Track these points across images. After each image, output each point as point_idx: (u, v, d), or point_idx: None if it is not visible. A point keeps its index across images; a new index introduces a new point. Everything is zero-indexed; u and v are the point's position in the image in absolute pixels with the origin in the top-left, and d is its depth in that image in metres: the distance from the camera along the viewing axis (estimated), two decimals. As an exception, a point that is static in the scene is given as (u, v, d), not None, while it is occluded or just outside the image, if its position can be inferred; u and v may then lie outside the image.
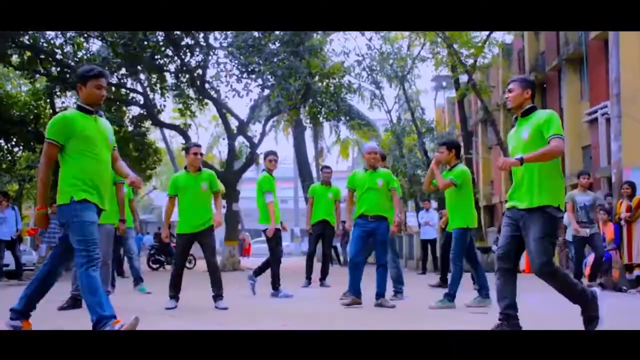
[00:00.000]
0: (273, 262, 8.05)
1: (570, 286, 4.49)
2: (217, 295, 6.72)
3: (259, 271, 8.35)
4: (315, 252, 10.12)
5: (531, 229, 4.39)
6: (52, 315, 6.12)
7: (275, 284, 8.12)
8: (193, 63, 17.81)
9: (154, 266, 18.10)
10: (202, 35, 17.21)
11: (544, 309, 6.70)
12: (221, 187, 7.20)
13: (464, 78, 21.31)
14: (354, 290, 6.75)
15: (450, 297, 6.77)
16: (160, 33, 16.88)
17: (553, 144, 4.31)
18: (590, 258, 10.14)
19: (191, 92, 19.50)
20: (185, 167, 6.91)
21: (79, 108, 4.46)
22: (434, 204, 18.98)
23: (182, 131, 20.12)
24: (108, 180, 4.55)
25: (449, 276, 7.13)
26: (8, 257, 12.87)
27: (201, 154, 6.91)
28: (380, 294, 6.77)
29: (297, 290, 9.39)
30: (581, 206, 9.28)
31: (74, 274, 6.53)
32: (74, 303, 6.48)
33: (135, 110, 20.31)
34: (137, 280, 9.31)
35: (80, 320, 5.58)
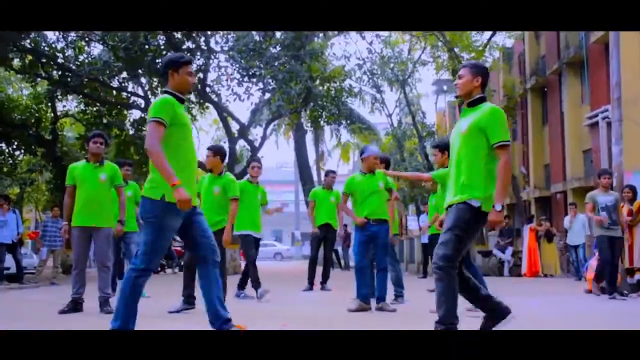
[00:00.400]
0: (247, 264, 8.16)
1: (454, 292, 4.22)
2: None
3: (241, 283, 8.47)
4: (318, 257, 10.09)
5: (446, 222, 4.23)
6: (52, 318, 6.12)
7: (243, 284, 8.36)
8: (194, 67, 17.84)
9: (158, 269, 18.14)
10: (203, 39, 17.25)
11: (545, 312, 6.68)
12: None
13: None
14: (362, 296, 6.72)
15: None
16: (162, 37, 16.91)
17: (502, 160, 4.07)
18: (591, 262, 10.13)
19: (192, 96, 19.52)
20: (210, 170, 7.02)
21: (172, 95, 4.15)
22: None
23: (183, 135, 20.10)
24: (194, 176, 4.27)
25: None
26: (9, 261, 12.89)
27: (207, 156, 7.00)
28: (381, 297, 6.75)
29: (299, 293, 9.39)
30: (603, 207, 8.83)
31: (74, 277, 6.52)
32: (74, 306, 6.48)
33: (136, 114, 20.35)
34: None
35: (81, 322, 5.58)
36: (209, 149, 7.09)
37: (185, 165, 4.09)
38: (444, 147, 6.73)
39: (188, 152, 4.14)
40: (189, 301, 6.61)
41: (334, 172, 10.29)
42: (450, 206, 4.25)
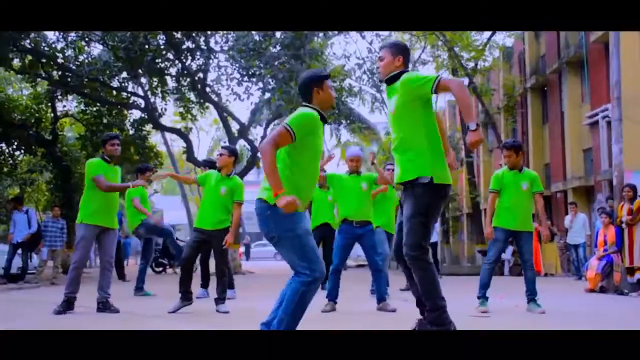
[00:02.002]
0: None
1: (433, 284, 4.09)
2: (219, 299, 6.70)
3: (204, 282, 8.64)
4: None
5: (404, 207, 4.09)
6: (51, 318, 6.12)
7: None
8: (194, 66, 17.84)
9: (158, 269, 18.14)
10: (202, 38, 17.24)
11: (546, 311, 6.67)
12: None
13: (464, 81, 21.32)
14: (332, 297, 6.76)
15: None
16: (162, 37, 16.91)
17: (451, 86, 3.90)
18: (591, 261, 10.13)
19: (192, 96, 19.52)
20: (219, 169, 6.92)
21: (318, 113, 3.87)
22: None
23: (183, 135, 20.13)
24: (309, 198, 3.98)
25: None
26: (17, 260, 13.03)
27: (221, 155, 6.91)
28: (380, 298, 6.76)
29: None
30: None
31: (72, 277, 6.52)
32: (68, 306, 6.48)
33: (136, 114, 20.34)
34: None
35: (80, 322, 5.58)
36: (224, 148, 7.05)
37: (311, 185, 3.87)
38: (519, 148, 6.72)
39: (315, 172, 3.88)
40: (186, 297, 6.59)
41: (323, 170, 10.25)
42: (401, 183, 4.14)
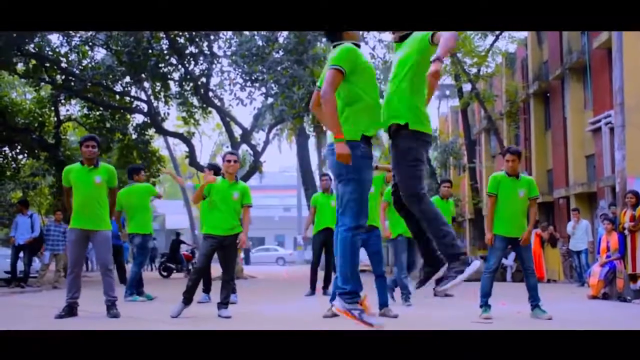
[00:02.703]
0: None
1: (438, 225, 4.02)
2: (222, 304, 6.69)
3: (205, 287, 8.65)
4: (320, 262, 10.06)
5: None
6: (53, 322, 6.12)
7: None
8: (197, 71, 17.89)
9: (164, 273, 18.19)
10: (206, 43, 17.29)
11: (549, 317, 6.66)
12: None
13: (467, 87, 21.34)
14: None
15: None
16: (165, 41, 16.96)
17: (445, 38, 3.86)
18: (594, 267, 10.11)
19: (195, 101, 19.56)
20: (223, 174, 6.92)
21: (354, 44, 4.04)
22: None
23: (186, 139, 20.17)
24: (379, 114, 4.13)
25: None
26: (20, 264, 13.05)
27: (235, 161, 6.85)
28: (383, 303, 6.76)
29: (301, 298, 9.38)
30: None
31: (70, 282, 6.51)
32: (70, 311, 6.46)
33: (139, 118, 20.39)
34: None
35: (81, 325, 5.58)
36: (233, 154, 7.03)
37: (373, 104, 4.01)
38: (521, 154, 6.79)
39: (374, 91, 4.04)
40: (188, 301, 6.62)
41: (326, 174, 10.22)
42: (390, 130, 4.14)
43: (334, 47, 4.05)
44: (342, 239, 3.92)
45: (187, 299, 6.61)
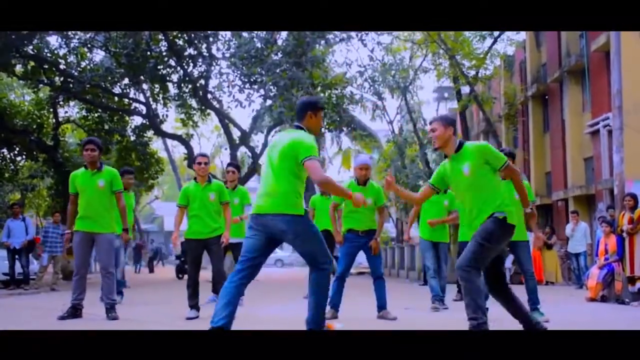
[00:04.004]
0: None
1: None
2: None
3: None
4: None
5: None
6: (52, 324, 6.11)
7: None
8: (196, 73, 17.89)
9: (180, 275, 18.16)
10: (204, 45, 17.30)
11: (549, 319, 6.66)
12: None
13: (465, 89, 21.35)
14: (335, 304, 6.75)
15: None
16: (164, 44, 16.97)
17: (518, 172, 4.81)
18: (592, 270, 10.12)
19: (194, 102, 19.57)
20: (195, 178, 6.95)
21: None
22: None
23: (184, 141, 20.17)
24: None
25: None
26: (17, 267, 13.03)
27: (206, 163, 6.90)
28: (381, 306, 6.75)
29: (301, 300, 9.37)
30: None
31: (74, 283, 6.52)
32: (74, 312, 6.47)
33: (137, 120, 20.39)
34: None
35: (82, 327, 5.57)
36: (204, 155, 7.04)
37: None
38: (515, 156, 6.87)
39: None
40: (196, 308, 6.67)
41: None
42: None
43: (297, 127, 4.53)
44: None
45: (193, 306, 6.64)
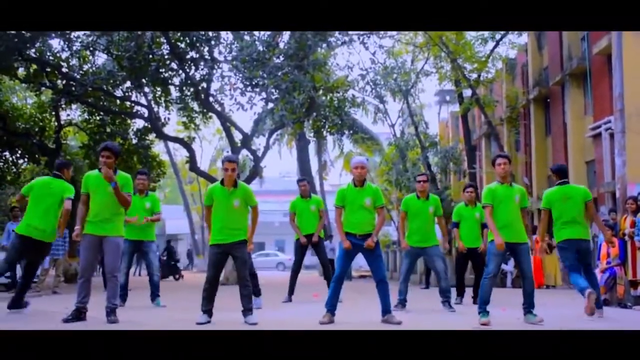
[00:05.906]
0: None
1: None
2: (247, 310, 6.65)
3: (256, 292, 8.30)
4: (300, 269, 9.93)
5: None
6: (55, 327, 6.11)
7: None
8: (197, 76, 17.89)
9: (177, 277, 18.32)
10: (206, 48, 17.30)
11: (549, 322, 6.65)
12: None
13: (467, 92, 21.36)
14: (331, 306, 6.73)
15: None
16: (166, 47, 16.98)
17: None
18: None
19: (195, 106, 19.57)
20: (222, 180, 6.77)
21: None
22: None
23: (186, 144, 20.17)
24: None
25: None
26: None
27: (233, 170, 6.61)
28: (386, 310, 6.72)
29: (302, 302, 9.36)
30: None
31: (80, 286, 6.52)
32: (78, 315, 6.47)
33: (139, 123, 20.38)
34: (154, 294, 9.07)
35: (80, 327, 5.57)
36: (232, 161, 6.71)
37: None
38: (510, 159, 7.03)
39: None
40: (208, 314, 6.57)
41: (303, 180, 10.09)
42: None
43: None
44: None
45: (207, 311, 6.54)
